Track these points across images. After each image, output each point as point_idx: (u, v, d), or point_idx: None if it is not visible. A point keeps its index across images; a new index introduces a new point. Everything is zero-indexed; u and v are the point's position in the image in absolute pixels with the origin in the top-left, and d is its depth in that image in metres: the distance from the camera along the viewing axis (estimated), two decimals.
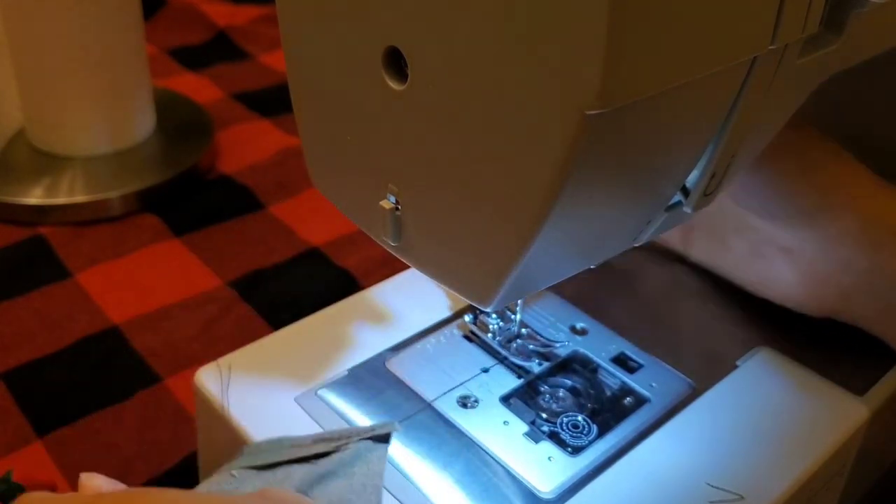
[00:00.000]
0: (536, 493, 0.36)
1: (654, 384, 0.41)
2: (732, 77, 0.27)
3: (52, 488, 0.48)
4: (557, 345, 0.42)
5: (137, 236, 0.69)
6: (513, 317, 0.42)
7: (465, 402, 0.40)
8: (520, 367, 0.41)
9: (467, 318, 0.43)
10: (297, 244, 0.69)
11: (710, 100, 0.27)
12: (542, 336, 0.42)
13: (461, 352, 0.42)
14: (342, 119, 0.31)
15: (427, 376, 0.41)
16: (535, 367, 0.41)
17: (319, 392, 0.40)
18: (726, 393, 0.41)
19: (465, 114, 0.26)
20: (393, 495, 0.35)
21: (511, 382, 0.41)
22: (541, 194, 0.25)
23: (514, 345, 0.42)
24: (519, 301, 0.43)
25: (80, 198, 0.70)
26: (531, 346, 0.42)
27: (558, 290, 0.46)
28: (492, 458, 0.37)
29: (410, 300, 0.45)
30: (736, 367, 0.42)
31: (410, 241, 0.31)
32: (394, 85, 0.27)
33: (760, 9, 0.25)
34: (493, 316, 0.43)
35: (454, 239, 0.29)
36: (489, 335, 0.42)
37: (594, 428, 0.39)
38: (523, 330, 0.43)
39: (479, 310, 0.44)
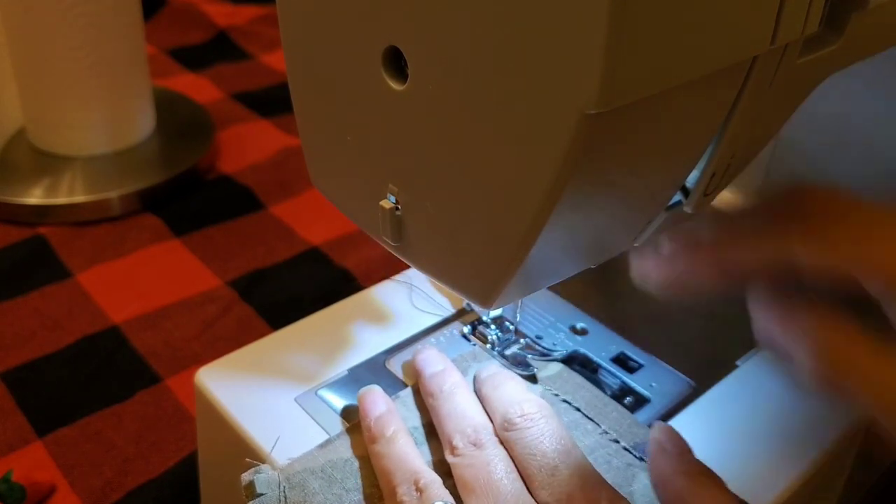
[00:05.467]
0: None
1: (654, 384, 0.41)
2: (732, 77, 0.27)
3: (52, 488, 0.48)
4: (555, 354, 0.42)
5: (137, 236, 0.69)
6: (510, 326, 0.42)
7: None
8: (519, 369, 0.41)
9: (465, 328, 0.43)
10: (297, 244, 0.69)
11: (711, 100, 0.27)
12: (540, 345, 0.42)
13: (461, 352, 0.42)
14: (342, 119, 0.31)
15: None
16: (535, 370, 0.41)
17: (319, 392, 0.40)
18: (726, 393, 0.41)
19: (465, 114, 0.25)
20: None
21: None
22: (541, 194, 0.25)
23: (511, 353, 0.41)
24: (519, 302, 0.43)
25: (80, 198, 0.70)
26: (529, 356, 0.41)
27: (558, 290, 0.46)
28: None
29: (410, 300, 0.45)
30: (736, 367, 0.42)
31: (410, 241, 0.31)
32: (394, 85, 0.27)
33: (760, 9, 0.25)
34: (492, 327, 0.42)
35: (454, 239, 0.29)
36: (487, 346, 0.42)
37: None
38: (521, 340, 0.42)
39: (477, 320, 0.43)
